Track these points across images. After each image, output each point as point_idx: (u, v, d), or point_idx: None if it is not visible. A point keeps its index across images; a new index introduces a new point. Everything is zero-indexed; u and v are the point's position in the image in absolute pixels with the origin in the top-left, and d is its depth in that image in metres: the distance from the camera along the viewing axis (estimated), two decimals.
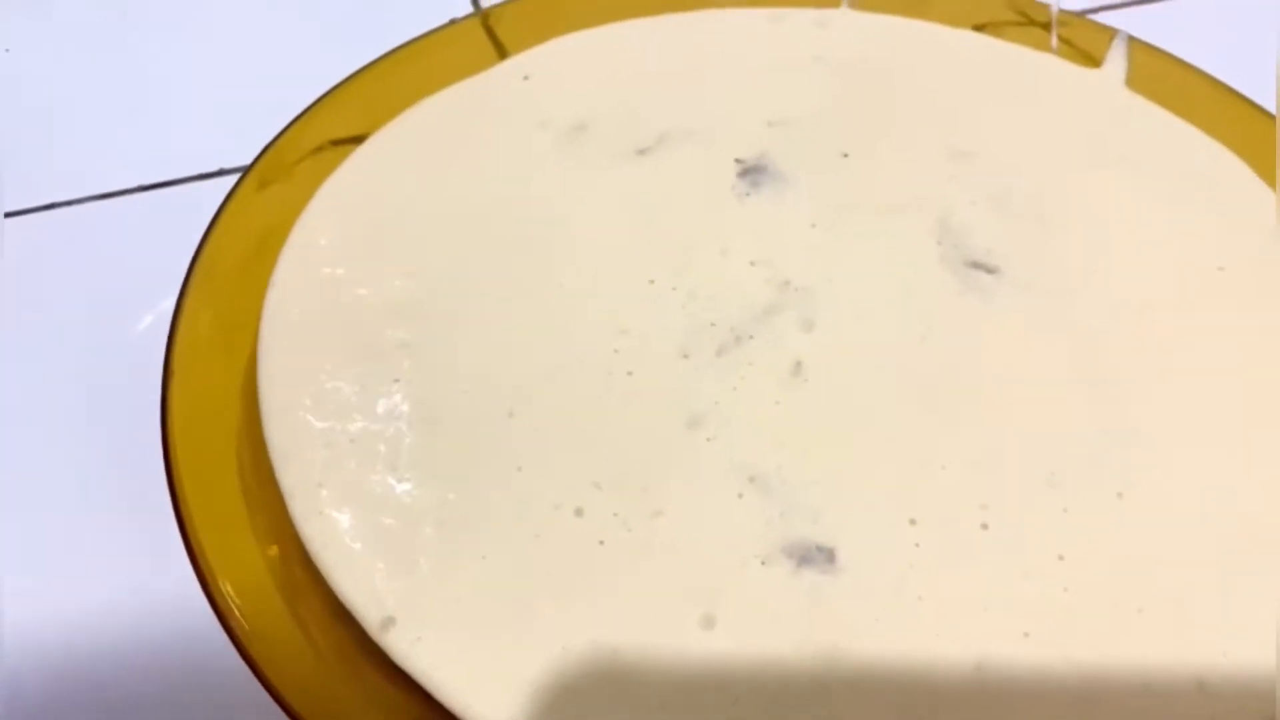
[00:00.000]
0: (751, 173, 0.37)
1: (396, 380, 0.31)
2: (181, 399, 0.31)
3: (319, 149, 0.38)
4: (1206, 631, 0.27)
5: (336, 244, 0.35)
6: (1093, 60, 0.43)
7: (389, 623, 0.27)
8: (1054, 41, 0.43)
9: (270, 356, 0.32)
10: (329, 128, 0.38)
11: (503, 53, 0.42)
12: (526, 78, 0.41)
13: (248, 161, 0.36)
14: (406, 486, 0.29)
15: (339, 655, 0.27)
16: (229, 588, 0.27)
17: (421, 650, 0.26)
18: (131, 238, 0.42)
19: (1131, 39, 0.43)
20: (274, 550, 0.29)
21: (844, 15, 0.43)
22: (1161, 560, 0.28)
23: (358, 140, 0.38)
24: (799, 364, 0.32)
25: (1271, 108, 0.39)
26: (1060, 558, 0.28)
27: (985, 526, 0.29)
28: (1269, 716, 0.25)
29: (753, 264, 0.34)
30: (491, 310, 0.33)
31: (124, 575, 0.32)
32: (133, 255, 0.41)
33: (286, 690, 0.26)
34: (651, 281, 0.34)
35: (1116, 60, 0.42)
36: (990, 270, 0.34)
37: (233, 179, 0.36)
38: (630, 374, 0.32)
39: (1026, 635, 0.27)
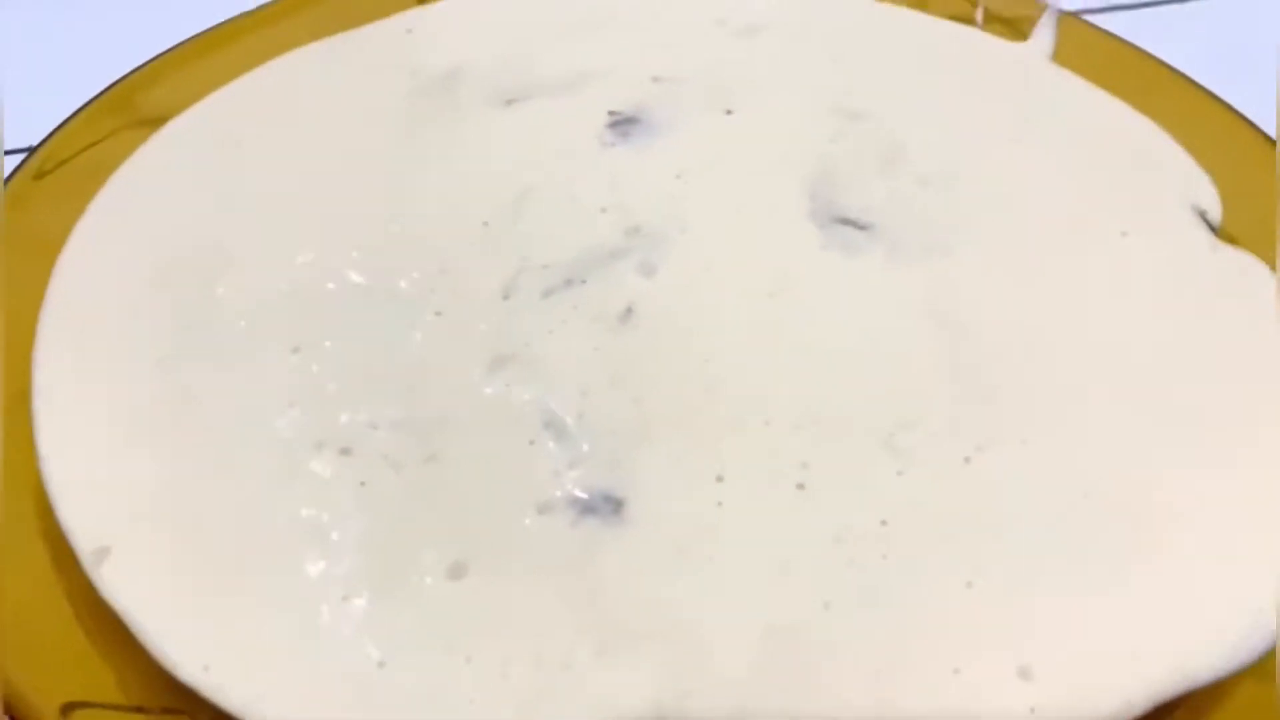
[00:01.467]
0: (623, 124, 0.34)
1: (175, 303, 0.28)
2: None
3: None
4: (1042, 616, 0.23)
5: (151, 176, 0.32)
6: (1023, 35, 0.39)
7: (103, 553, 0.23)
8: (979, 15, 0.40)
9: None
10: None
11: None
12: (409, 30, 0.39)
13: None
14: (160, 420, 0.26)
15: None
16: None
17: (128, 588, 0.23)
18: None
19: (1063, 13, 0.39)
20: None
21: None
22: (1003, 532, 0.24)
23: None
24: (629, 309, 0.28)
25: (1207, 84, 0.36)
26: (883, 523, 0.24)
27: (801, 486, 0.25)
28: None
29: (603, 210, 0.31)
30: (298, 250, 0.30)
31: None
32: None
33: None
34: (485, 224, 0.31)
35: (1044, 34, 0.39)
36: (862, 227, 0.31)
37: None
38: (439, 314, 0.28)
39: (827, 606, 0.23)
